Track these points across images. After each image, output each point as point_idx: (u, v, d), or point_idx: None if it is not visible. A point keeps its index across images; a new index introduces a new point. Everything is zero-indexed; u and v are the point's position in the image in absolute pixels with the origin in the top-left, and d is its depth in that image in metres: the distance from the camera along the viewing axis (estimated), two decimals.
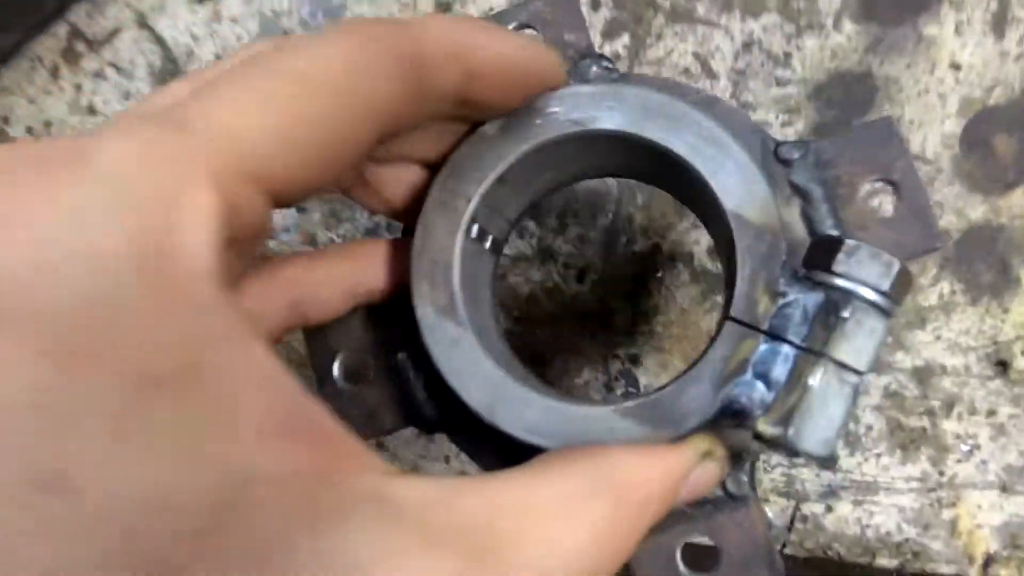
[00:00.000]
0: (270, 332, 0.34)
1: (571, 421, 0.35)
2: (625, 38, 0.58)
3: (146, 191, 0.21)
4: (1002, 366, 0.52)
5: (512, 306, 0.55)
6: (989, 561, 0.50)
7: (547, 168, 0.40)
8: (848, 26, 0.57)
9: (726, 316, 0.36)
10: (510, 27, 0.42)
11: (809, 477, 0.51)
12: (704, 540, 0.38)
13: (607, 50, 0.58)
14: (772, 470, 0.51)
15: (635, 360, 0.54)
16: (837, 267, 0.33)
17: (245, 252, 0.27)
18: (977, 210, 0.54)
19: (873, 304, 0.33)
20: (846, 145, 0.40)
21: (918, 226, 0.39)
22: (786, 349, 0.35)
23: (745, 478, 0.39)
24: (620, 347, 0.54)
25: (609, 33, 0.59)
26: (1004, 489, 0.50)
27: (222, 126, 0.23)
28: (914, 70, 0.57)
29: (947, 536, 0.50)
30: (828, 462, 0.34)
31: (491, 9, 0.58)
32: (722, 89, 0.57)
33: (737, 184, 0.36)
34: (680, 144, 0.37)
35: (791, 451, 0.33)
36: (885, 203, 0.40)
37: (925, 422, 0.51)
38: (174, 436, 0.19)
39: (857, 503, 0.51)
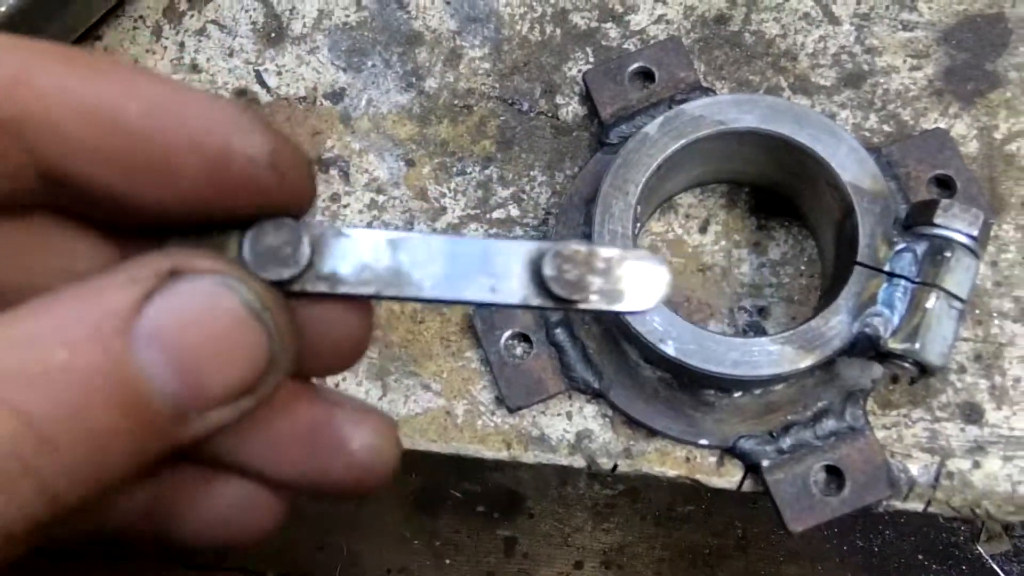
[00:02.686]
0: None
1: (737, 349, 0.44)
2: None
3: None
4: None
5: None
6: None
7: (692, 164, 0.50)
8: None
9: (854, 262, 0.44)
10: (630, 68, 0.53)
11: (954, 432, 0.48)
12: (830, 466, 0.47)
13: None
14: (913, 424, 0.49)
15: (763, 312, 0.51)
16: (937, 219, 0.44)
17: None
18: None
19: (966, 247, 0.43)
20: (909, 149, 0.51)
21: (972, 207, 0.47)
22: (904, 284, 0.44)
23: (860, 412, 0.48)
24: (746, 299, 0.52)
25: None
26: None
27: None
28: None
29: None
30: (939, 371, 0.44)
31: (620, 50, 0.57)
32: (845, 34, 0.55)
33: (851, 162, 0.46)
34: (804, 135, 0.47)
35: (916, 361, 0.43)
36: (941, 195, 0.50)
37: None
38: None
39: (1007, 459, 0.48)
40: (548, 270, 0.25)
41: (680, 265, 0.53)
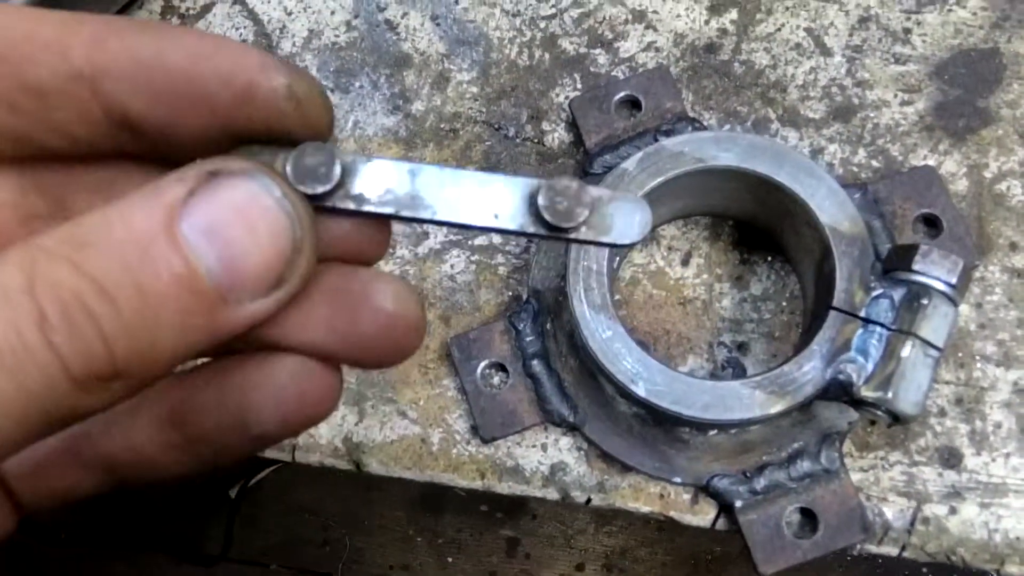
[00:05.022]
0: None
1: (708, 392, 0.44)
2: (733, 13, 0.56)
3: None
4: None
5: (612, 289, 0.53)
6: None
7: (672, 200, 0.50)
8: (972, 1, 0.54)
9: (829, 306, 0.44)
10: (617, 96, 0.52)
11: (931, 477, 0.48)
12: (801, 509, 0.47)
13: (713, 26, 0.56)
14: (891, 467, 0.48)
15: (742, 348, 0.51)
16: (916, 265, 0.43)
17: None
18: None
19: (944, 294, 0.42)
20: (896, 187, 0.50)
21: (958, 248, 0.49)
22: (879, 331, 0.44)
23: (836, 454, 0.47)
24: (726, 334, 0.51)
25: (716, 8, 0.56)
26: None
27: None
28: None
29: None
30: (913, 420, 0.43)
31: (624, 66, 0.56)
32: (836, 66, 0.54)
33: (830, 204, 0.46)
34: (783, 175, 0.46)
35: (889, 410, 0.42)
36: (928, 233, 0.50)
37: None
38: None
39: (984, 506, 0.47)
40: (542, 200, 0.28)
41: (661, 298, 0.52)
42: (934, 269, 0.43)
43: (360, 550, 1.70)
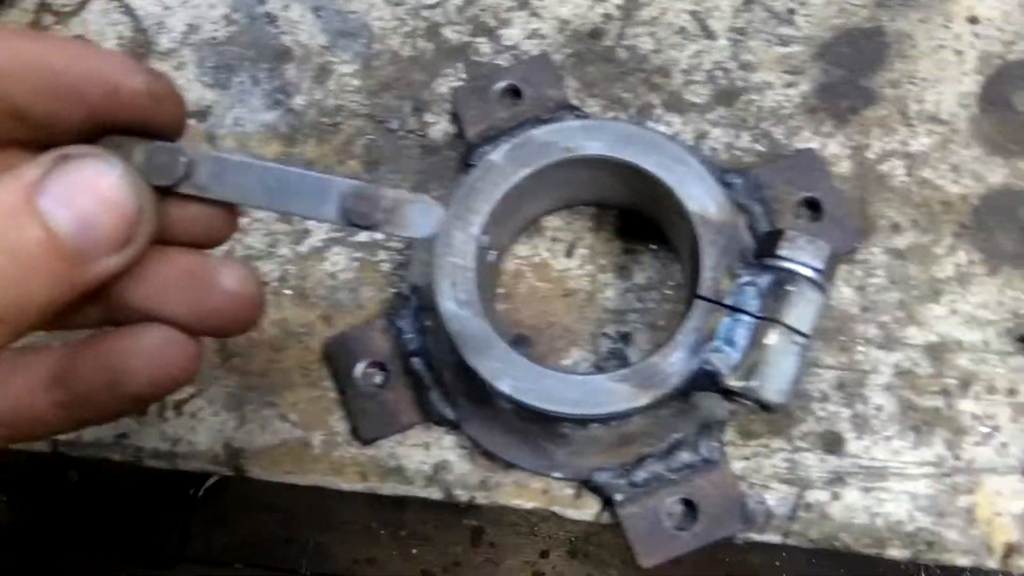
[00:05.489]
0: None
1: (576, 388, 0.43)
2: None
3: None
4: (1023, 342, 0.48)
5: (496, 282, 0.52)
6: (1010, 551, 0.46)
7: (546, 191, 0.49)
8: None
9: (694, 295, 0.44)
10: (497, 86, 0.51)
11: (814, 462, 0.47)
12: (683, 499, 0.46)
13: (597, 11, 0.55)
14: (773, 454, 0.48)
15: (626, 338, 0.50)
16: (781, 250, 0.42)
17: None
18: (996, 174, 0.50)
19: (810, 279, 0.42)
20: (778, 171, 0.50)
21: (839, 231, 0.48)
22: (745, 319, 0.43)
23: (716, 443, 0.47)
24: (609, 325, 0.50)
25: None
26: None
27: None
28: (928, 25, 0.53)
29: (964, 525, 0.46)
30: (781, 409, 0.43)
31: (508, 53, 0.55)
32: (720, 49, 0.53)
33: (699, 191, 0.45)
34: (651, 163, 0.45)
35: (755, 400, 0.41)
36: (811, 217, 0.49)
37: (940, 402, 0.47)
38: None
39: (866, 490, 0.47)
40: (347, 203, 0.34)
41: (545, 290, 0.51)
42: (800, 254, 0.42)
43: (324, 546, 1.69)
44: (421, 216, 0.35)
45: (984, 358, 0.48)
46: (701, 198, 0.44)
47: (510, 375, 0.43)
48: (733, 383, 0.41)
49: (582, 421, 0.46)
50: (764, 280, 0.43)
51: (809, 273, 0.42)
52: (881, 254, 0.50)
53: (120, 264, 0.31)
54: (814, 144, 0.51)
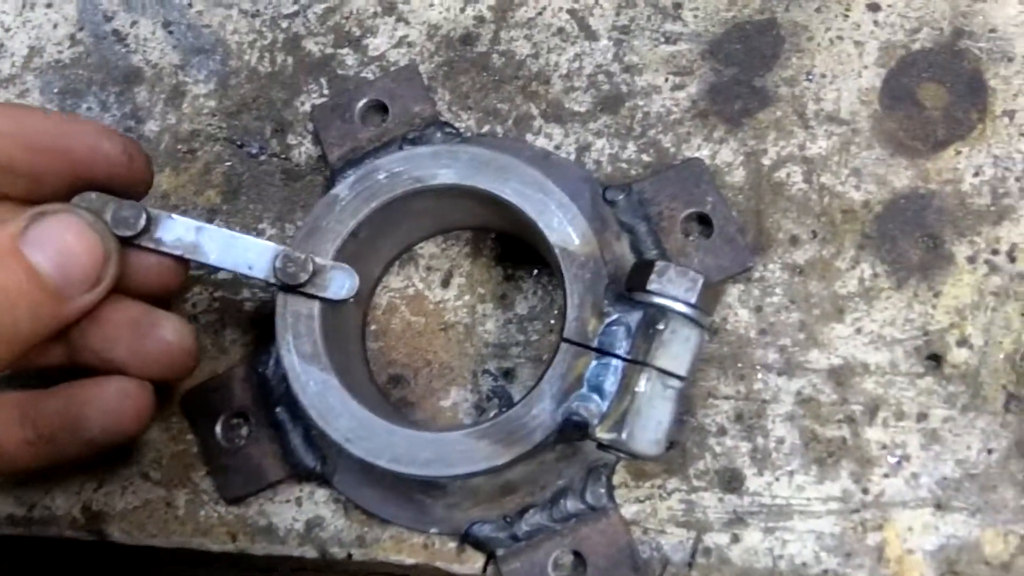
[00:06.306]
0: None
1: (429, 447, 0.40)
2: None
3: None
4: (934, 360, 0.44)
5: (368, 319, 0.48)
6: None
7: (401, 223, 0.45)
8: None
9: (562, 338, 0.40)
10: (360, 103, 0.48)
11: (712, 503, 0.44)
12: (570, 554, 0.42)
13: (469, 13, 0.50)
14: (669, 496, 0.44)
15: (508, 375, 0.46)
16: (650, 285, 0.38)
17: None
18: (901, 177, 0.46)
19: (684, 315, 0.38)
20: (663, 184, 0.46)
21: (730, 250, 0.45)
22: (615, 363, 0.39)
23: (603, 490, 0.43)
24: (491, 360, 0.47)
25: None
26: (939, 507, 0.43)
27: None
28: (825, 15, 0.49)
29: (873, 564, 0.43)
30: (655, 460, 0.41)
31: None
32: (602, 51, 0.49)
33: (560, 221, 0.41)
34: (508, 191, 0.42)
35: (626, 452, 0.38)
36: (702, 233, 0.45)
37: (845, 431, 0.44)
38: None
39: (768, 531, 0.43)
40: (278, 263, 0.40)
41: (420, 324, 0.47)
42: (670, 288, 0.38)
43: None
44: (339, 281, 0.41)
45: (892, 381, 0.44)
46: (563, 229, 0.40)
47: (360, 436, 0.39)
48: (601, 435, 0.38)
49: None
50: (634, 318, 0.39)
51: (682, 308, 0.38)
52: (779, 271, 0.46)
53: (92, 301, 0.37)
54: (705, 152, 0.47)
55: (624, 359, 0.38)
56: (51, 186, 0.39)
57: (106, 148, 0.40)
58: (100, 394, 0.39)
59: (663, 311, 0.38)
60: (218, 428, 0.46)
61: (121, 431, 0.39)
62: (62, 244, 0.36)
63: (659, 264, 0.38)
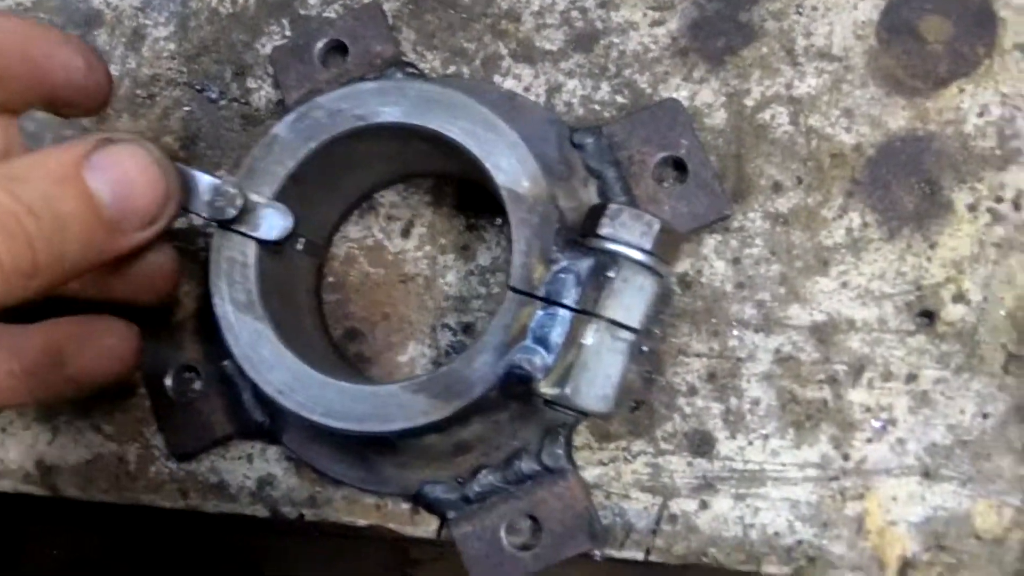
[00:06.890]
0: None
1: (366, 400, 0.37)
2: None
3: None
4: (927, 317, 0.40)
5: (325, 270, 0.45)
6: (906, 567, 0.39)
7: (352, 167, 0.43)
8: None
9: (507, 286, 0.37)
10: (320, 44, 0.45)
11: (680, 467, 0.41)
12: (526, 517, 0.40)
13: None
14: (634, 459, 0.41)
15: (468, 329, 0.44)
16: (601, 230, 0.35)
17: None
18: (898, 117, 0.42)
19: (638, 263, 0.35)
20: (635, 127, 0.42)
21: (706, 196, 0.41)
22: (562, 313, 0.36)
23: (560, 451, 0.40)
24: (451, 314, 0.44)
25: None
26: (927, 475, 0.39)
27: None
28: None
29: (852, 536, 0.39)
30: (605, 418, 0.39)
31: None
32: None
33: (509, 162, 0.38)
34: (456, 130, 0.39)
35: (572, 408, 0.35)
36: (677, 179, 0.42)
37: (826, 392, 0.40)
38: None
39: (739, 497, 0.40)
40: (207, 196, 0.38)
41: (379, 276, 0.45)
42: (623, 232, 0.35)
43: None
44: (272, 220, 0.38)
45: (879, 339, 0.40)
46: (512, 170, 0.38)
47: (293, 388, 0.37)
48: (545, 389, 0.35)
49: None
50: (584, 266, 0.36)
51: (636, 255, 0.35)
52: (760, 220, 0.42)
53: (145, 239, 0.35)
54: (684, 92, 0.44)
55: (572, 309, 0.35)
56: (7, 90, 0.38)
57: (64, 54, 0.38)
58: (84, 332, 0.39)
59: (615, 258, 0.35)
60: (168, 381, 0.44)
61: (103, 371, 0.39)
62: (124, 175, 0.34)
63: (611, 207, 0.35)
